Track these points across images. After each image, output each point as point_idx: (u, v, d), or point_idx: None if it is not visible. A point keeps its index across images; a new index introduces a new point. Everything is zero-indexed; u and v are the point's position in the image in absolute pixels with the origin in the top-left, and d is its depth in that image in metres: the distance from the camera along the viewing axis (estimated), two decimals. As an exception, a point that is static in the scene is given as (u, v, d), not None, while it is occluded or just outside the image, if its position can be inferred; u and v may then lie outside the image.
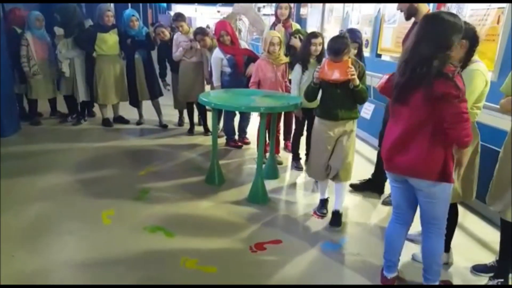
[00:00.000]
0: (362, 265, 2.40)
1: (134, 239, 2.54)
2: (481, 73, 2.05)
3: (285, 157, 4.18)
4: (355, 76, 2.53)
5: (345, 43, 2.52)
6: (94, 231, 2.62)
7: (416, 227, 2.74)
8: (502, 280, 2.15)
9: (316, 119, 2.81)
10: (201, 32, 4.44)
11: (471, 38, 2.06)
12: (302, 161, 3.89)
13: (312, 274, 2.28)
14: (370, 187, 3.36)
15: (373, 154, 4.39)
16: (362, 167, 3.83)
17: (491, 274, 2.23)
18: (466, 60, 2.11)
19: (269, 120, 3.55)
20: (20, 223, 2.66)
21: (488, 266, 2.31)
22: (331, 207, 3.02)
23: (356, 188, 3.42)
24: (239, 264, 2.34)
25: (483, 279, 2.25)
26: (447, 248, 2.41)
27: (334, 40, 2.57)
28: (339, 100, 2.66)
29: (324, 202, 3.03)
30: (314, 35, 3.36)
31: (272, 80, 3.74)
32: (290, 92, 3.58)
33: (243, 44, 4.32)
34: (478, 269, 2.33)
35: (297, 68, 3.44)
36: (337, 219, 2.82)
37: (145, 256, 2.36)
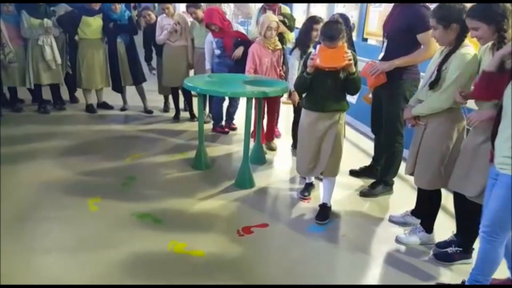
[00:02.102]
0: (347, 246, 2.45)
1: (121, 226, 2.54)
2: (471, 57, 2.05)
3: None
4: (352, 62, 2.42)
5: (339, 27, 2.41)
6: (81, 218, 2.60)
7: (397, 209, 2.82)
8: (461, 249, 2.26)
9: (303, 111, 2.69)
10: (193, 5, 4.38)
11: (463, 22, 2.03)
12: None
13: (299, 256, 2.33)
14: (368, 173, 3.38)
15: (359, 139, 4.44)
16: (348, 153, 3.86)
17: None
18: (457, 44, 2.12)
19: (256, 105, 3.54)
20: (4, 210, 2.62)
21: (448, 242, 2.37)
22: (316, 196, 3.06)
23: (355, 174, 3.44)
24: (226, 248, 2.36)
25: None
26: (430, 230, 2.48)
27: (328, 25, 2.50)
28: (328, 90, 2.52)
29: (308, 186, 3.05)
30: (316, 20, 3.30)
31: (268, 65, 3.69)
32: (287, 78, 3.52)
33: (237, 27, 4.25)
34: (440, 246, 2.39)
35: (296, 53, 3.39)
36: (323, 212, 2.71)
37: (133, 242, 2.36)
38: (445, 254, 2.28)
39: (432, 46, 2.56)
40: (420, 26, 2.59)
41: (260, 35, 3.62)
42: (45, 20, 4.47)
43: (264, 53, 3.66)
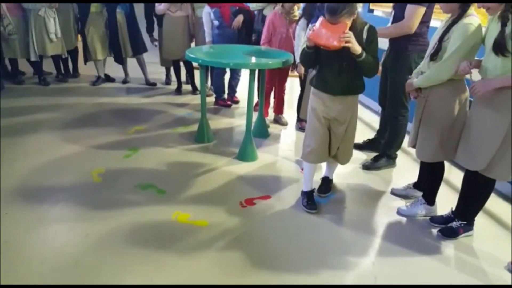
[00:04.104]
0: (349, 218, 2.48)
1: (125, 196, 2.56)
2: (474, 27, 1.99)
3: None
4: (352, 44, 2.06)
5: (345, 1, 2.07)
6: (85, 189, 2.62)
7: (400, 182, 2.83)
8: (465, 222, 2.28)
9: (312, 90, 2.42)
10: None
11: None
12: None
13: (299, 226, 2.36)
14: (371, 146, 3.38)
15: (362, 113, 4.41)
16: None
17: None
18: (460, 14, 2.05)
19: (259, 77, 3.49)
20: (10, 182, 2.65)
21: (444, 217, 2.39)
22: (318, 168, 3.06)
23: (358, 147, 3.41)
24: (229, 218, 2.39)
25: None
26: (432, 202, 2.49)
27: None
28: (335, 71, 2.24)
29: None
30: None
31: (283, 36, 3.59)
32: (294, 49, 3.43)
33: None
34: (435, 220, 2.41)
35: (302, 23, 3.28)
36: (325, 185, 2.72)
37: (137, 212, 2.39)
38: (450, 229, 2.29)
39: (413, 21, 2.60)
40: None
41: (278, 3, 3.52)
42: None
43: (281, 23, 3.56)
